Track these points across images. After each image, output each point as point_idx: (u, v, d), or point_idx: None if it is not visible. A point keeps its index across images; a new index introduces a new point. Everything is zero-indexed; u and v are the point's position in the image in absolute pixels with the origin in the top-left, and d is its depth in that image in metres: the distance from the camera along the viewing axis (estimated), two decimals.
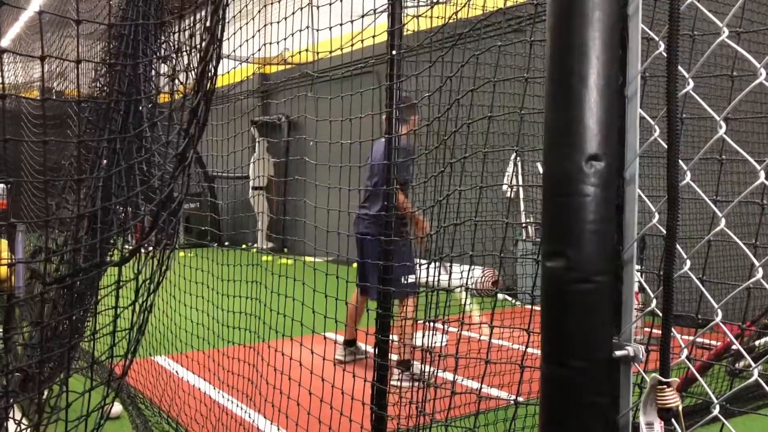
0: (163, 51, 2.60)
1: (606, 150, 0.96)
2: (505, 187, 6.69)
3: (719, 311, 0.94)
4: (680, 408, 0.90)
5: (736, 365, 4.00)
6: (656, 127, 1.00)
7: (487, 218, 5.42)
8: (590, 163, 0.96)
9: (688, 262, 0.99)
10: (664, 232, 0.94)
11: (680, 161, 0.92)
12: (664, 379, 0.90)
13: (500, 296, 7.41)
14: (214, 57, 1.88)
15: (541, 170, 6.79)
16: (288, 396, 3.00)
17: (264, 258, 4.65)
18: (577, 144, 0.97)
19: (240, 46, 3.58)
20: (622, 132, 0.98)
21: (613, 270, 0.98)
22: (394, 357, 4.27)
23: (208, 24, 1.67)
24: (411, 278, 4.60)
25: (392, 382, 4.09)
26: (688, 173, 0.94)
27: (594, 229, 0.96)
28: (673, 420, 0.92)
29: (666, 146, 0.92)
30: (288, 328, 3.07)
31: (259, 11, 3.67)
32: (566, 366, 0.98)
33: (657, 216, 0.98)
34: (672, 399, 0.89)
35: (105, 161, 2.55)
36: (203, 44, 1.87)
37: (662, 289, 0.92)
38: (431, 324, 2.80)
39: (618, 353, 0.96)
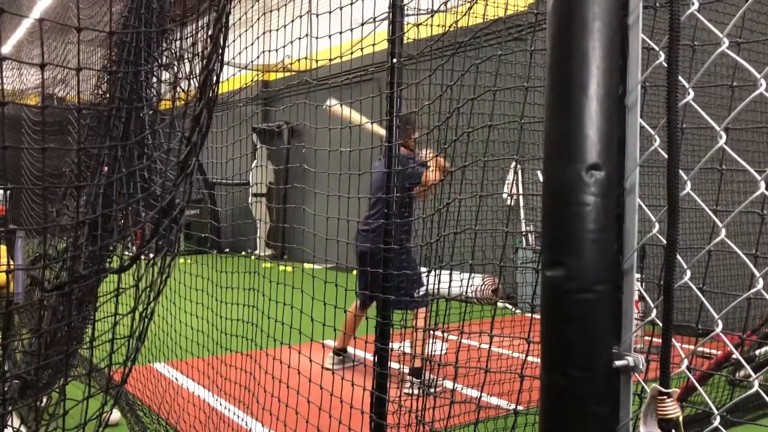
0: (164, 59, 2.60)
1: (606, 159, 0.96)
2: (505, 195, 6.69)
3: (719, 322, 0.94)
4: (680, 419, 0.89)
5: (737, 375, 3.99)
6: (656, 136, 1.00)
7: (487, 226, 5.41)
8: (590, 173, 0.96)
9: (689, 273, 0.99)
10: (664, 241, 0.93)
11: (680, 171, 0.92)
12: (664, 390, 0.90)
13: (500, 304, 7.40)
14: (217, 65, 1.88)
15: (541, 178, 6.75)
16: (287, 404, 2.99)
17: (264, 265, 4.65)
18: (577, 153, 0.97)
19: (240, 53, 3.59)
20: (622, 141, 0.98)
21: (613, 279, 0.97)
22: (396, 366, 4.26)
23: (211, 32, 1.67)
24: (422, 289, 4.59)
25: (405, 390, 4.07)
26: (689, 183, 0.94)
27: (594, 239, 0.96)
28: (673, 430, 0.91)
29: (666, 156, 0.92)
30: (287, 336, 3.07)
31: (258, 18, 3.68)
32: (566, 375, 0.97)
33: (657, 226, 0.98)
34: (672, 410, 0.89)
35: (106, 168, 2.55)
36: (206, 52, 1.88)
37: (662, 299, 0.92)
38: (431, 332, 2.80)
39: (618, 363, 0.96)
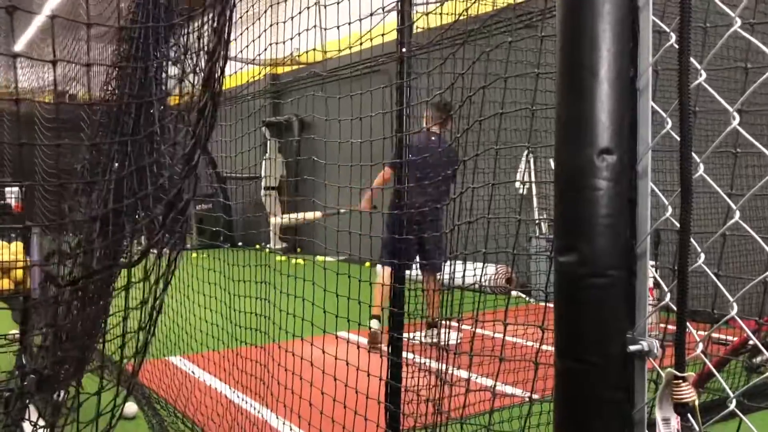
0: (173, 53, 2.60)
1: (618, 143, 0.96)
2: (517, 184, 6.67)
3: (734, 305, 0.93)
4: (696, 403, 0.89)
5: (754, 360, 3.96)
6: (668, 119, 0.98)
7: (500, 215, 5.40)
8: (602, 157, 0.95)
9: (702, 256, 0.98)
10: (678, 225, 0.92)
11: (693, 154, 0.91)
12: (679, 374, 0.89)
13: (514, 293, 7.39)
14: (222, 58, 1.88)
15: (553, 166, 6.74)
16: (300, 396, 3.00)
17: (277, 258, 4.66)
18: (589, 138, 0.96)
19: (247, 46, 3.59)
20: (633, 125, 0.97)
21: (627, 264, 0.97)
22: (410, 355, 4.28)
23: (215, 25, 1.67)
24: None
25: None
26: (701, 165, 0.93)
27: (607, 223, 0.95)
28: (689, 415, 0.91)
29: (678, 139, 0.91)
30: (299, 329, 3.08)
31: (265, 11, 3.68)
32: (580, 361, 0.97)
33: (670, 209, 0.97)
34: (688, 394, 0.88)
35: (116, 164, 2.56)
36: (211, 45, 1.88)
37: (676, 283, 0.91)
38: (447, 322, 2.80)
39: (632, 348, 0.95)
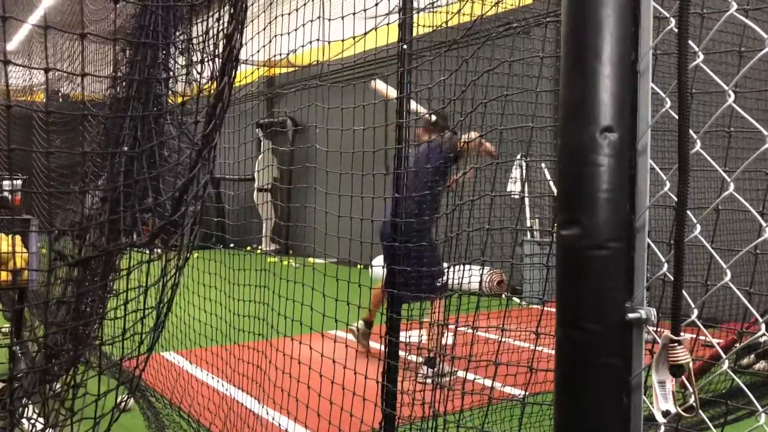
0: (178, 51, 2.63)
1: (619, 122, 1.01)
2: (510, 187, 6.75)
3: (728, 271, 0.98)
4: (691, 365, 0.94)
5: (741, 362, 4.03)
6: (667, 99, 1.04)
7: (494, 221, 5.45)
8: (604, 135, 1.00)
9: (698, 227, 1.03)
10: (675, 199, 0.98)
11: (690, 131, 0.96)
12: (675, 337, 0.94)
13: (506, 296, 7.43)
14: (234, 58, 1.92)
15: (546, 173, 6.76)
16: (295, 397, 3.04)
17: (269, 259, 4.70)
18: (591, 116, 1.01)
19: (247, 42, 3.61)
20: (634, 105, 1.03)
21: (626, 237, 1.02)
22: (412, 357, 4.30)
23: (233, 11, 1.72)
24: (440, 280, 4.66)
25: (419, 380, 4.15)
26: (698, 141, 0.98)
27: (607, 198, 1.01)
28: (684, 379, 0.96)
29: (677, 117, 0.96)
30: (296, 328, 3.13)
31: (264, 11, 3.72)
32: (581, 329, 1.02)
33: (668, 184, 1.03)
34: (683, 356, 0.93)
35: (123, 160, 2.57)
36: (220, 48, 1.92)
37: (673, 253, 0.96)
38: (445, 324, 2.85)
39: (631, 316, 1.00)
